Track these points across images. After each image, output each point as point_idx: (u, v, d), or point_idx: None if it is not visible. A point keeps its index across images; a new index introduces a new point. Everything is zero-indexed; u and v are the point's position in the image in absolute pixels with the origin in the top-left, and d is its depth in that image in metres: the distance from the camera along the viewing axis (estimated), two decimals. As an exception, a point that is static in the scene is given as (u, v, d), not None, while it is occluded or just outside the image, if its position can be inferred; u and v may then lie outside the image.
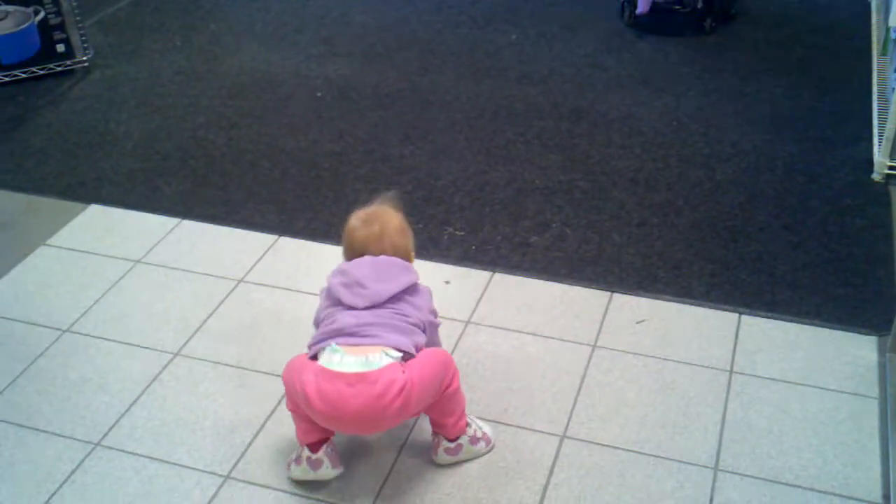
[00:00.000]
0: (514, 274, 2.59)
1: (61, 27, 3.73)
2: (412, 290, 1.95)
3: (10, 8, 3.65)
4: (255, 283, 2.60)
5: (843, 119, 3.24)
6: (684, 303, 2.45)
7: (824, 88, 3.44)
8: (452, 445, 2.00)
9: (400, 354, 1.82)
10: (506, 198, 2.92)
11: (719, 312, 2.42)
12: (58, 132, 3.38)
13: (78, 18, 3.75)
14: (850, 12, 3.99)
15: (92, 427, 2.16)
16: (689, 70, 3.62)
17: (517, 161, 3.10)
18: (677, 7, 3.85)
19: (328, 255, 2.66)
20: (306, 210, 2.88)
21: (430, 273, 2.60)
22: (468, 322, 2.43)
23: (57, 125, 3.43)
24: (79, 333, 2.44)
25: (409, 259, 2.02)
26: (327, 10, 4.27)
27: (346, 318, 1.87)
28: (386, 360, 1.80)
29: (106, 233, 2.83)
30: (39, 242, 2.80)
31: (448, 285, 2.56)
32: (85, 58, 3.79)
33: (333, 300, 1.93)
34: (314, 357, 1.87)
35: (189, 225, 2.85)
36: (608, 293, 2.50)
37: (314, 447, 1.95)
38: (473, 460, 2.02)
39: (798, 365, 2.24)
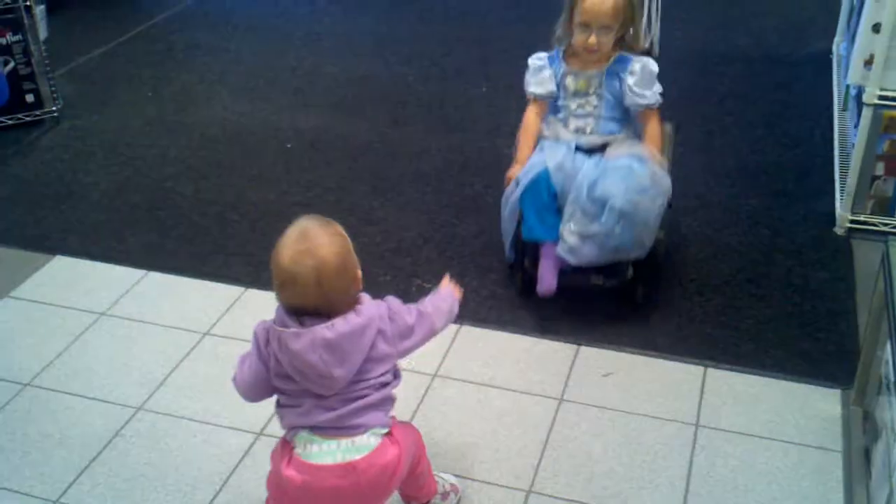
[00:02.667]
0: (481, 327, 2.59)
1: (31, 77, 3.73)
2: (379, 336, 1.71)
3: (-21, 58, 3.66)
4: (221, 337, 2.58)
5: (806, 173, 3.29)
6: (650, 356, 2.46)
7: (788, 143, 3.50)
8: None
9: (385, 430, 1.74)
10: (474, 250, 2.93)
11: (685, 365, 2.43)
12: (24, 182, 3.36)
13: (48, 68, 3.76)
14: (813, 68, 4.08)
15: (51, 484, 2.12)
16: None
17: (485, 214, 3.12)
18: (597, 282, 2.60)
19: (295, 308, 2.65)
20: (274, 262, 2.87)
21: (397, 326, 2.59)
22: (434, 375, 2.42)
23: (24, 175, 3.41)
24: (40, 387, 2.41)
25: (356, 286, 1.70)
26: (298, 62, 4.30)
27: (318, 415, 1.68)
28: (374, 442, 1.70)
29: (70, 285, 2.81)
30: (2, 294, 2.76)
31: (415, 338, 2.55)
32: (54, 108, 3.79)
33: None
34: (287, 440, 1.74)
35: (155, 277, 2.83)
36: (575, 346, 2.51)
37: None
38: (439, 517, 2.01)
39: (763, 418, 2.25)
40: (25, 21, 3.67)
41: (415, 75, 4.15)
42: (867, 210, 2.94)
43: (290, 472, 1.69)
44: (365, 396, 1.70)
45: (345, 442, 1.68)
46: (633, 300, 2.61)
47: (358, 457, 1.68)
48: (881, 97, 2.75)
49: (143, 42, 4.58)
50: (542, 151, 2.57)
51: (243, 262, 2.88)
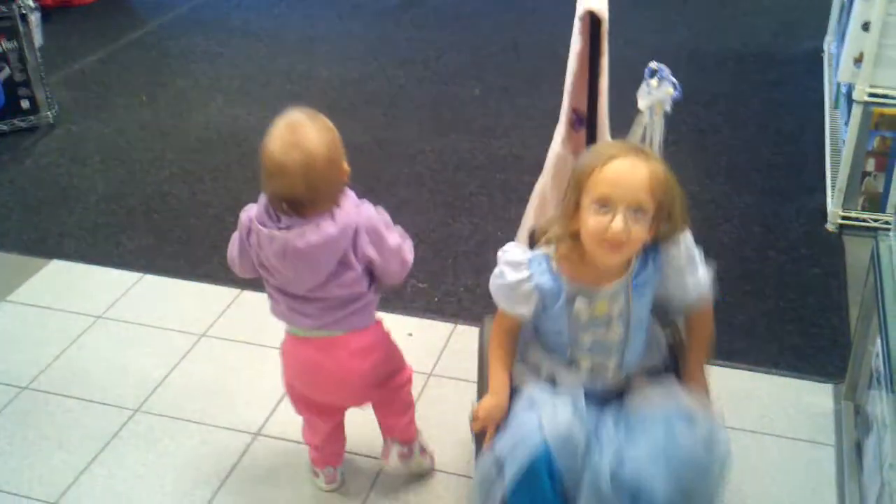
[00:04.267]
0: (477, 326, 2.59)
1: (26, 83, 3.75)
2: (351, 247, 1.74)
3: (-26, 65, 3.67)
4: (218, 338, 2.59)
5: (798, 171, 3.32)
6: (644, 353, 2.48)
7: (780, 141, 3.52)
8: (405, 450, 2.06)
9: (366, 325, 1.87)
10: (468, 250, 2.95)
11: (679, 362, 2.45)
12: (21, 187, 3.38)
13: (43, 75, 3.77)
14: (804, 67, 4.11)
15: (50, 486, 2.13)
16: (649, 123, 3.69)
17: (480, 213, 3.14)
18: None
19: (291, 309, 2.67)
20: (270, 264, 2.89)
21: (392, 325, 2.59)
22: (430, 374, 2.43)
23: (20, 181, 3.42)
24: (38, 391, 2.42)
25: (342, 177, 1.74)
26: (293, 66, 4.32)
27: (297, 320, 1.82)
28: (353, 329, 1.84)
29: (67, 288, 2.82)
30: (0, 299, 2.78)
31: (411, 337, 2.56)
32: (50, 113, 3.80)
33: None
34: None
35: (151, 279, 2.85)
36: (569, 344, 2.52)
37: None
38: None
39: (756, 413, 2.27)
40: (21, 28, 3.68)
41: (408, 78, 4.17)
42: (858, 206, 2.96)
43: (283, 344, 1.89)
44: (340, 305, 1.80)
45: (326, 330, 1.82)
46: None
47: (338, 334, 1.82)
48: (871, 94, 2.78)
49: (138, 48, 4.60)
50: (531, 406, 1.64)
51: (239, 265, 2.90)
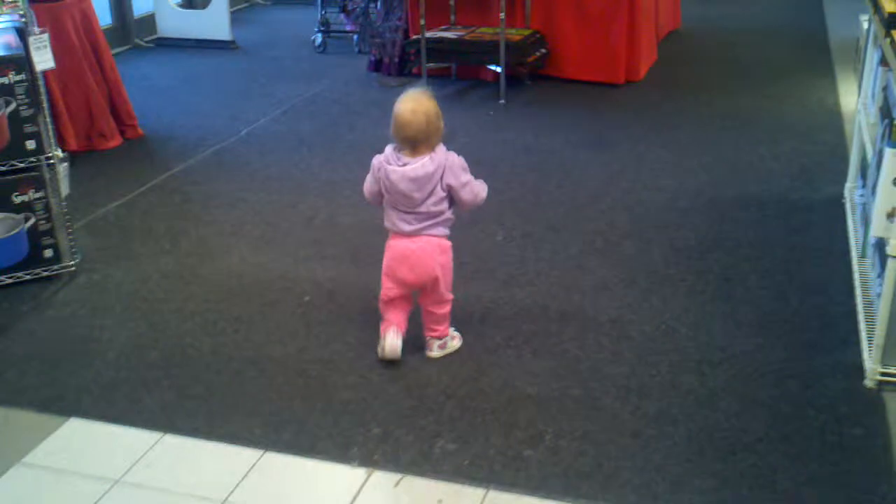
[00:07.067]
0: (510, 492, 2.50)
1: (50, 232, 3.75)
2: (442, 177, 2.91)
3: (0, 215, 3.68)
4: (239, 505, 2.49)
5: (829, 323, 3.25)
6: (686, 522, 2.37)
7: (808, 290, 3.47)
8: (442, 342, 3.12)
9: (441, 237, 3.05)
10: (498, 407, 2.86)
11: (723, 533, 2.33)
12: (40, 340, 3.33)
13: (68, 222, 3.78)
14: (826, 213, 4.11)
15: None
16: (675, 272, 3.67)
17: (507, 367, 3.07)
18: None
19: (316, 472, 2.57)
20: (292, 422, 2.81)
21: (420, 492, 2.51)
22: (462, 547, 2.32)
23: (40, 333, 3.38)
24: (50, 564, 2.31)
25: (439, 134, 2.91)
26: (315, 212, 4.34)
27: (402, 226, 2.98)
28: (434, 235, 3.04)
29: (84, 449, 2.73)
30: (14, 461, 2.68)
31: (440, 504, 2.46)
32: (72, 262, 3.80)
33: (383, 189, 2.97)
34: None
35: (170, 440, 2.76)
36: (607, 512, 2.41)
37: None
38: None
39: (810, 593, 2.14)
40: (47, 176, 3.72)
41: (430, 224, 4.16)
42: (898, 362, 2.89)
43: (388, 240, 3.06)
44: (430, 216, 2.95)
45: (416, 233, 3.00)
46: None
47: (423, 234, 2.99)
48: (904, 249, 2.74)
49: (161, 193, 4.64)
50: None
51: (261, 423, 2.81)
